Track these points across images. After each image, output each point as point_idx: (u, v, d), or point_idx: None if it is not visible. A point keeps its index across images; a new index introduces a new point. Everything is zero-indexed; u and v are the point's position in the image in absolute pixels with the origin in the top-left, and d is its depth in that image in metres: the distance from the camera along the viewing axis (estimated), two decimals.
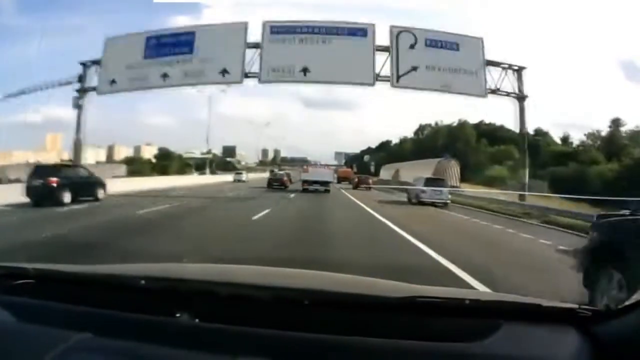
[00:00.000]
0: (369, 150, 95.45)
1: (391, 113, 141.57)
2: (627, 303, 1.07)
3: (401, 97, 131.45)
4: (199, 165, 62.35)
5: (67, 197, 13.66)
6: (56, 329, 1.07)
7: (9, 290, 1.27)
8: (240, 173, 45.08)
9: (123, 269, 1.61)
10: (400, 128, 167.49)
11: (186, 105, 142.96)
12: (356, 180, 38.43)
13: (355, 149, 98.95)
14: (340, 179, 44.02)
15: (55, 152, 74.70)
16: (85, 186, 15.03)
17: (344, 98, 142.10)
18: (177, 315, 1.12)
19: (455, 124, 66.50)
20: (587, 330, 1.07)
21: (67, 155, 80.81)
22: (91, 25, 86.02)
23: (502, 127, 65.81)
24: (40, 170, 14.31)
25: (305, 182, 26.76)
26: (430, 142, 65.59)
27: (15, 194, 13.69)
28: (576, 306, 1.14)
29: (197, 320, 1.10)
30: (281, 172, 35.94)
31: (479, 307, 1.18)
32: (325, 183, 26.61)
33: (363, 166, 70.64)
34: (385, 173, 55.58)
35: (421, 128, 74.16)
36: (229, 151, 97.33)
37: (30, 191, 13.57)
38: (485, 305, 1.22)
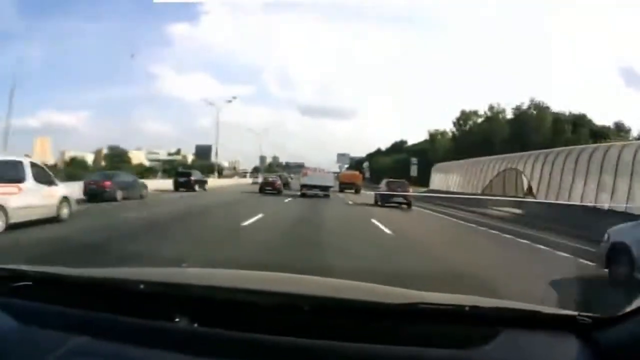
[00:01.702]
0: (378, 152, 78.47)
1: (394, 116, 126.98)
2: (627, 310, 1.04)
3: (403, 95, 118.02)
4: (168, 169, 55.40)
5: (197, 187, 27.40)
6: (55, 331, 1.07)
7: (7, 293, 1.25)
8: (257, 176, 51.62)
9: (122, 273, 1.58)
10: (409, 128, 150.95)
11: (182, 112, 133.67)
12: (384, 188, 21.73)
13: (360, 152, 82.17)
14: (343, 185, 33.58)
15: (38, 158, 72.43)
16: (201, 182, 28.97)
17: (342, 103, 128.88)
18: (176, 319, 1.11)
19: (523, 108, 47.36)
20: (587, 337, 1.06)
21: (52, 160, 69.84)
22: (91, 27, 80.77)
23: (583, 117, 47.24)
24: (182, 174, 28.93)
25: (304, 186, 25.47)
26: (480, 135, 46.68)
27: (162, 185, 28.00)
28: (576, 313, 1.12)
29: (195, 325, 1.10)
30: (274, 176, 33.26)
31: (479, 313, 1.16)
32: (325, 188, 25.00)
33: (382, 171, 52.10)
34: (444, 179, 33.73)
35: (464, 116, 54.23)
36: (204, 151, 79.71)
37: (177, 184, 27.17)
38: (484, 311, 1.19)
